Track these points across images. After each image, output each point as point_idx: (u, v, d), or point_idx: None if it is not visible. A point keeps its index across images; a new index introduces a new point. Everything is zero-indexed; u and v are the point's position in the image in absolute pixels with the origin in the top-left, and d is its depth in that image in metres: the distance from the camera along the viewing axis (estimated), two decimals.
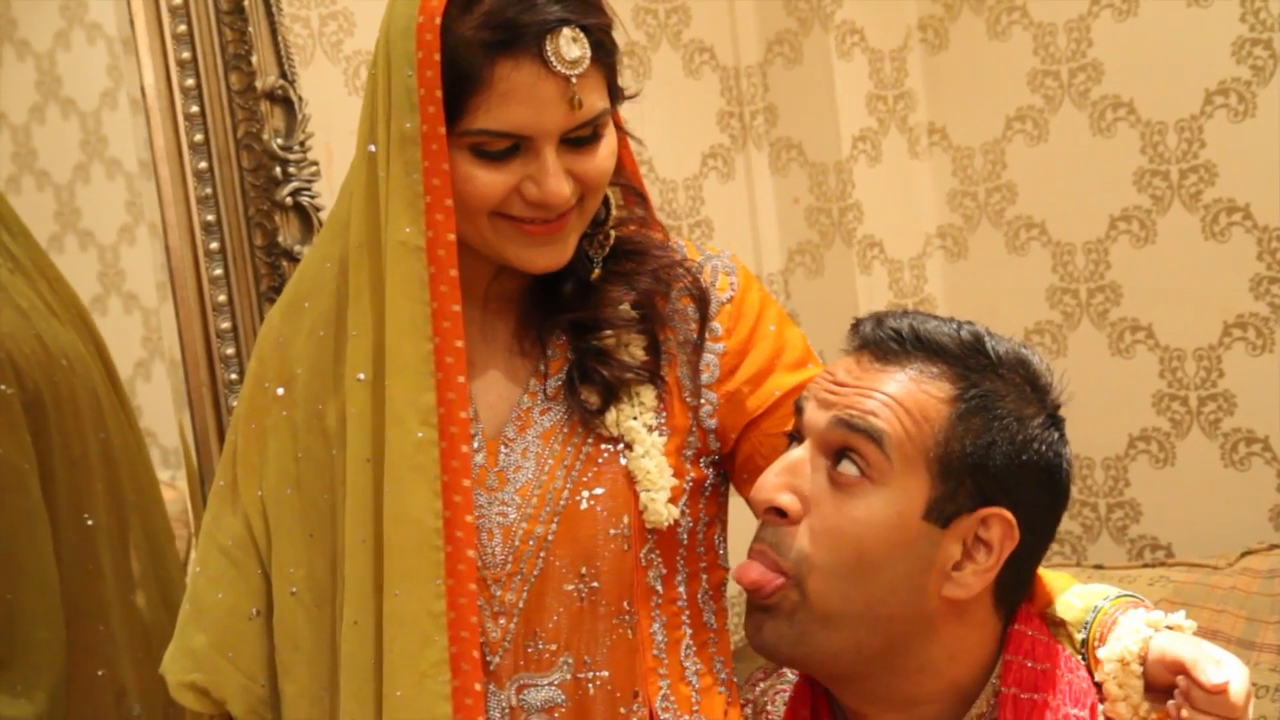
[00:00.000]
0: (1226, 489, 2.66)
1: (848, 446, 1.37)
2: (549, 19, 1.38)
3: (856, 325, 1.45)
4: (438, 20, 1.38)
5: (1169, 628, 1.42)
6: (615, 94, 1.48)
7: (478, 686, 1.41)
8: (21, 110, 2.26)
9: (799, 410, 1.44)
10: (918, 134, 2.94)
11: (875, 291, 2.89)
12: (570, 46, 1.38)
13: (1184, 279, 2.66)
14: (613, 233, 1.53)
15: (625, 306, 1.52)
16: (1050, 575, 1.52)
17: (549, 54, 1.38)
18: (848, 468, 1.37)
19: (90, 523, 2.11)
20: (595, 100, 1.42)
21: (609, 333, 1.51)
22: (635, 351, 1.52)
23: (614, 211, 1.54)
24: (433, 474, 1.41)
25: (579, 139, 1.43)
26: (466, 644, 1.41)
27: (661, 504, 1.49)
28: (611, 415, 1.50)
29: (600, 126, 1.45)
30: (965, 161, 2.90)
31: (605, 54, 1.43)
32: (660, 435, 1.51)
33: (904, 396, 1.37)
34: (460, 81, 1.39)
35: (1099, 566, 2.56)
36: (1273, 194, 2.54)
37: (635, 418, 1.50)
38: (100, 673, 2.10)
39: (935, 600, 1.38)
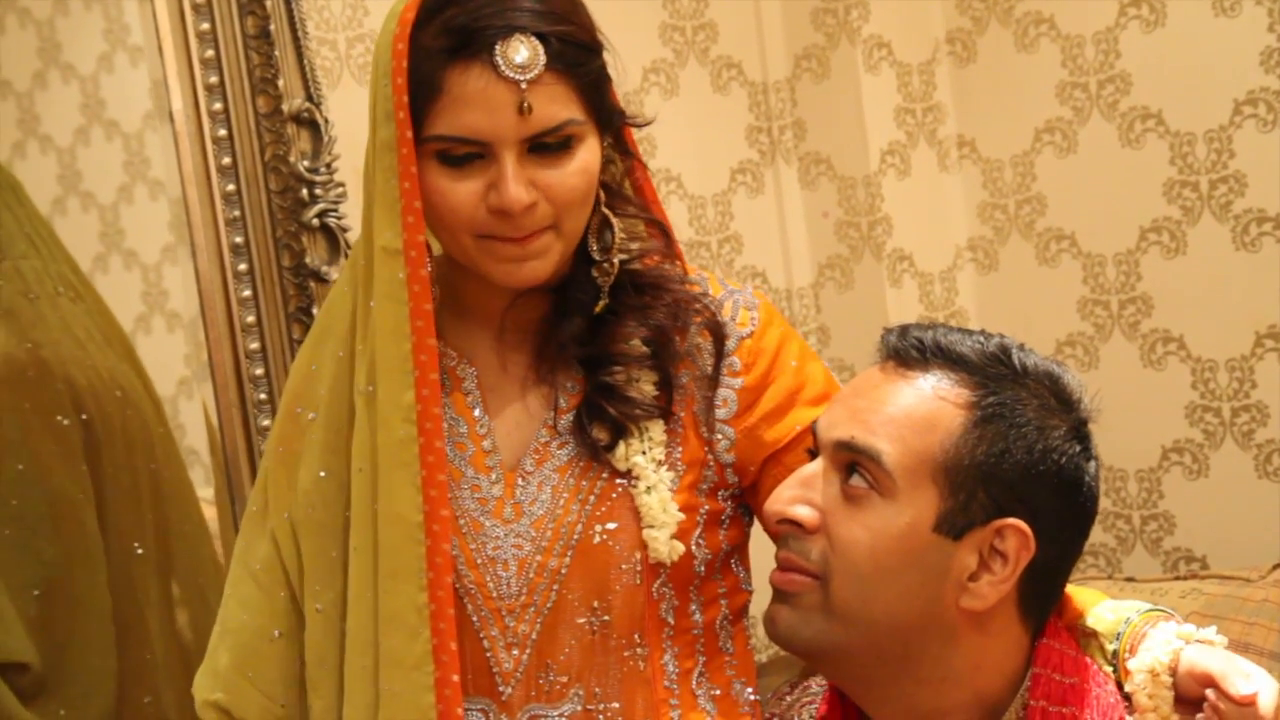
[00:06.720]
0: (1261, 500, 2.63)
1: (855, 462, 1.39)
2: (501, 25, 1.40)
3: (885, 335, 1.47)
4: (408, 31, 1.42)
5: (1199, 641, 1.42)
6: (602, 111, 1.48)
7: (455, 678, 1.43)
8: (67, 133, 2.31)
9: (814, 427, 1.45)
10: (947, 147, 2.94)
11: (906, 305, 2.89)
12: (519, 51, 1.40)
13: (1215, 290, 2.65)
14: (617, 260, 1.54)
15: (636, 342, 1.53)
16: (1082, 591, 1.52)
17: (498, 58, 1.40)
18: (858, 481, 1.39)
19: (140, 551, 2.13)
20: (555, 109, 1.43)
21: (619, 369, 1.52)
22: (645, 387, 1.52)
23: (618, 237, 1.54)
24: (414, 469, 1.44)
25: (545, 147, 1.44)
26: (445, 635, 1.43)
27: (663, 541, 1.50)
28: (620, 450, 1.51)
29: (574, 140, 1.45)
30: (995, 174, 2.90)
31: (568, 64, 1.43)
32: (670, 470, 1.52)
33: (914, 407, 1.38)
34: (422, 89, 1.42)
35: (1131, 579, 2.54)
36: None
37: (644, 453, 1.51)
38: (146, 700, 2.12)
39: (953, 610, 1.39)
